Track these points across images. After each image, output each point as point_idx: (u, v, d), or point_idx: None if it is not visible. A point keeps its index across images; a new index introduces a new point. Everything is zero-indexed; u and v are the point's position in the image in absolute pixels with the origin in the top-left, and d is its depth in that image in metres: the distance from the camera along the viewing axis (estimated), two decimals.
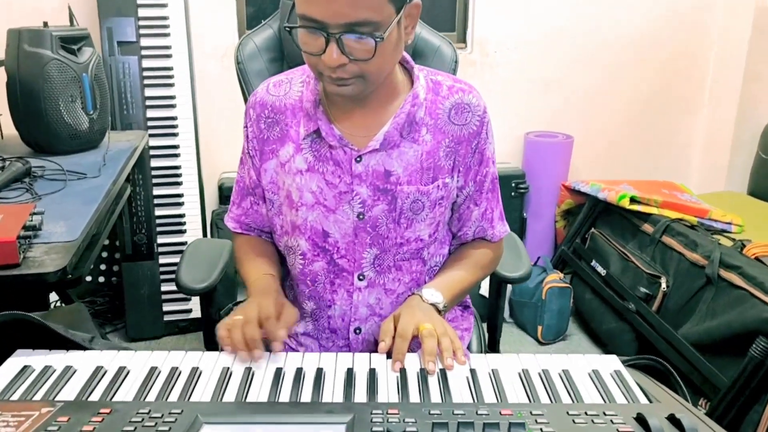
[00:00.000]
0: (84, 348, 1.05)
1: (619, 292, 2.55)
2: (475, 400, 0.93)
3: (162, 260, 2.59)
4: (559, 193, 3.03)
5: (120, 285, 2.64)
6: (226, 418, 0.84)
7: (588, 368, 1.02)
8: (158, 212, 2.57)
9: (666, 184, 2.86)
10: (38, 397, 0.91)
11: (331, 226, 1.20)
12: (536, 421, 0.84)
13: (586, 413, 0.86)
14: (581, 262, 2.85)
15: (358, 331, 1.23)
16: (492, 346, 1.64)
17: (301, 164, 1.19)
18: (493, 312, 1.62)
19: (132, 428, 0.80)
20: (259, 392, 0.94)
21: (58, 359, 1.01)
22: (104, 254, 2.76)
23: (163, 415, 0.84)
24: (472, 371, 1.00)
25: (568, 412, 0.86)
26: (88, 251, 1.52)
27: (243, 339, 1.02)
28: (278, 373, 0.98)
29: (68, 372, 0.97)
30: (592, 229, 2.83)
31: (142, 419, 0.83)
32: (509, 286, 2.77)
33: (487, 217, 1.28)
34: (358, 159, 1.16)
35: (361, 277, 1.22)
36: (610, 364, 1.03)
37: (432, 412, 0.86)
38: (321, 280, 1.23)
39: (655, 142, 3.31)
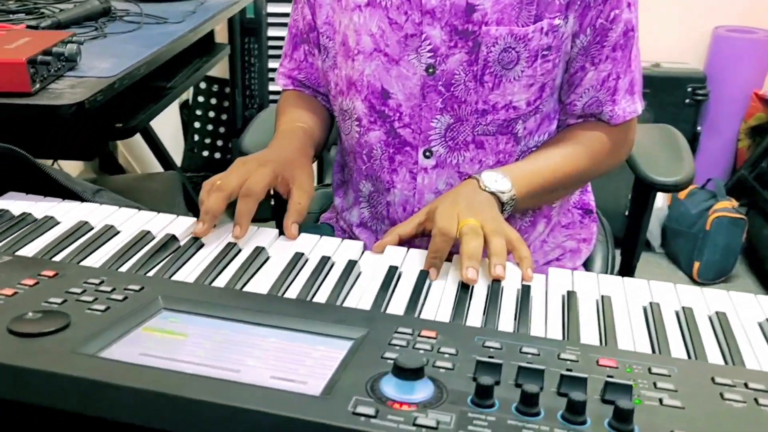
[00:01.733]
0: (83, 200, 0.85)
1: None
2: (566, 337, 0.61)
3: None
4: (748, 105, 2.45)
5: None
6: (193, 308, 0.60)
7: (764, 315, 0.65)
8: (272, 87, 2.37)
9: None
10: None
11: (393, 82, 0.89)
12: (654, 384, 0.51)
13: (746, 386, 0.51)
14: (765, 191, 2.30)
15: None
16: (625, 273, 1.28)
17: None
18: (632, 228, 1.24)
19: (60, 300, 0.58)
20: (263, 281, 0.68)
21: (43, 207, 0.81)
22: (221, 130, 2.65)
23: (114, 290, 0.61)
24: (571, 294, 0.67)
25: (713, 380, 0.52)
26: (151, 103, 1.34)
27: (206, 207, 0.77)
28: (296, 259, 0.72)
29: (46, 222, 0.77)
30: None
31: (83, 290, 0.60)
32: (662, 204, 2.33)
33: (609, 86, 0.89)
34: None
35: (427, 154, 0.91)
36: None
37: (487, 344, 0.55)
38: (377, 155, 0.94)
39: None
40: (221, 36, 2.23)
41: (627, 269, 1.27)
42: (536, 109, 0.89)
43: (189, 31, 1.38)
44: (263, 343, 0.55)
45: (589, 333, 0.62)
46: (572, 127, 0.93)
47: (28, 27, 1.25)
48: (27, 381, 0.48)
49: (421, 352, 0.53)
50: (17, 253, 0.70)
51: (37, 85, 0.95)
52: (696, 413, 0.47)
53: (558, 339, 0.60)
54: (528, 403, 0.45)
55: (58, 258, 0.70)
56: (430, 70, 0.87)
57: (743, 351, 0.59)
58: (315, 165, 1.17)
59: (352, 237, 1.03)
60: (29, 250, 0.72)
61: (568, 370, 0.51)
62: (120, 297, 0.59)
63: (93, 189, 0.87)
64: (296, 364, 0.52)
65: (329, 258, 0.72)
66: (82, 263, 0.69)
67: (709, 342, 0.61)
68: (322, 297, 0.66)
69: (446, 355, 0.53)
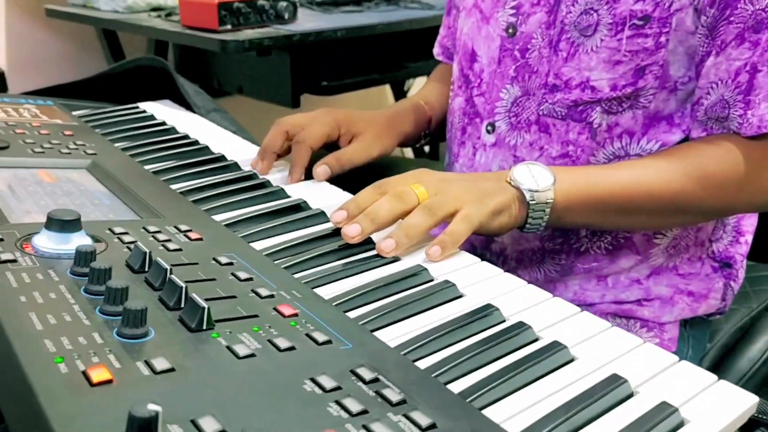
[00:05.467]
0: (196, 114, 1.01)
1: None
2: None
3: None
4: None
5: None
6: (100, 176, 0.68)
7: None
8: None
9: None
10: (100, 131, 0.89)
11: (481, 43, 0.80)
12: (281, 330, 0.39)
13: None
14: None
15: None
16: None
17: None
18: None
19: (31, 141, 0.73)
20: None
21: (160, 110, 0.99)
22: None
23: (75, 146, 0.74)
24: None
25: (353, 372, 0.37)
26: (375, 74, 1.44)
27: (265, 143, 0.79)
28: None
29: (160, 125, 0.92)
30: None
31: (59, 143, 0.74)
32: None
33: (741, 81, 0.64)
34: None
35: (489, 128, 0.79)
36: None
37: (217, 257, 0.50)
38: (455, 124, 0.85)
39: None
40: None
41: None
42: (632, 101, 0.69)
43: (425, 17, 1.44)
44: (85, 200, 0.61)
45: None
46: (690, 142, 0.70)
47: None
48: None
49: (156, 240, 0.52)
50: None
51: (228, 26, 1.15)
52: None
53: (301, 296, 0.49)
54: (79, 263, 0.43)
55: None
56: (510, 31, 0.76)
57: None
58: None
59: None
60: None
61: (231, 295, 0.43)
62: (68, 151, 0.72)
63: (210, 108, 1.02)
64: None
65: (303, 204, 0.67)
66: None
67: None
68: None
69: (164, 245, 0.51)
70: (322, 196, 0.70)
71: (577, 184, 0.66)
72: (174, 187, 0.68)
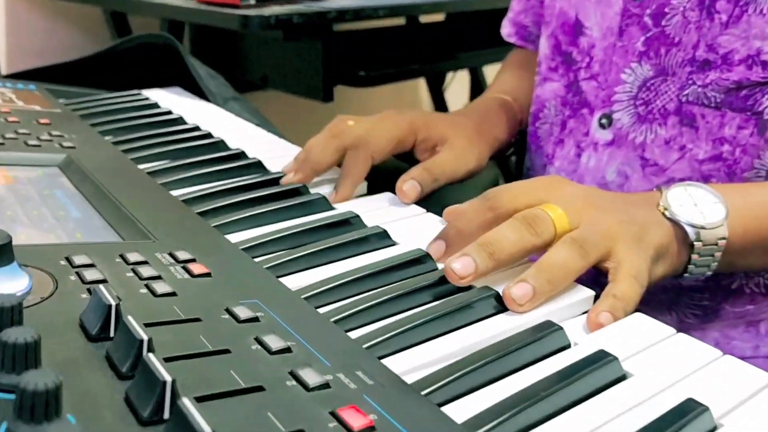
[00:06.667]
0: (211, 102, 0.82)
1: None
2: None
3: None
4: None
5: None
6: (74, 178, 0.50)
7: None
8: None
9: None
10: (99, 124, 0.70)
11: (591, 10, 0.60)
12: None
13: None
14: None
15: None
16: None
17: None
18: None
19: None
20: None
21: (166, 97, 0.81)
22: None
23: (58, 137, 0.55)
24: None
25: None
26: (417, 64, 1.25)
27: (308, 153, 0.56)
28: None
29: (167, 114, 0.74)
30: None
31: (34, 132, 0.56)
32: None
33: None
34: None
35: (603, 122, 0.59)
36: None
37: (233, 308, 0.31)
38: (548, 118, 0.66)
39: None
40: None
41: None
42: None
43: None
44: (45, 211, 0.42)
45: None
46: None
47: None
48: None
49: (138, 278, 0.33)
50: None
51: (251, 2, 0.97)
52: None
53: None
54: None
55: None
56: None
57: None
58: None
59: None
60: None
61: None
62: (37, 144, 0.54)
63: (226, 97, 0.83)
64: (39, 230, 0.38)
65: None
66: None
67: None
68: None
69: (149, 285, 0.32)
70: (381, 209, 0.51)
71: (757, 212, 0.47)
72: (175, 193, 0.50)
